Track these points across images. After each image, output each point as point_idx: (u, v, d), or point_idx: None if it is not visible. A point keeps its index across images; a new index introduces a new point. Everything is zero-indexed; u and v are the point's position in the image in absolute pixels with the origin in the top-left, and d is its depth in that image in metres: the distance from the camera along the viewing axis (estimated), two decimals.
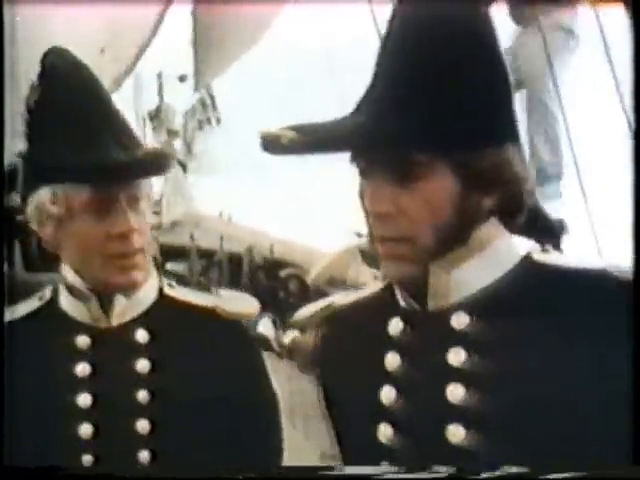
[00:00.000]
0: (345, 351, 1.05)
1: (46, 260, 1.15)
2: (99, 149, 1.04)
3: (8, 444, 0.94)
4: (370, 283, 5.36)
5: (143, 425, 1.04)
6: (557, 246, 1.01)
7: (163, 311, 1.14)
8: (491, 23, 0.92)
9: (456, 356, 0.93)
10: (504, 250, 0.95)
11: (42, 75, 1.09)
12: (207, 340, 1.15)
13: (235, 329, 1.24)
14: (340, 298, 1.06)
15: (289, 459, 3.75)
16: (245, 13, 6.51)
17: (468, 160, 0.90)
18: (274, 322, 6.49)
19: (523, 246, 0.97)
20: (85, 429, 1.03)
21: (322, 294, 6.51)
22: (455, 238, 0.94)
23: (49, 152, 1.05)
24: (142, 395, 1.06)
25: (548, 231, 1.00)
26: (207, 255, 7.08)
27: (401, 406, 0.96)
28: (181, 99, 7.83)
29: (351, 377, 1.06)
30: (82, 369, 1.05)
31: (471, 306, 0.93)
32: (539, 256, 0.95)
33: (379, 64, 0.97)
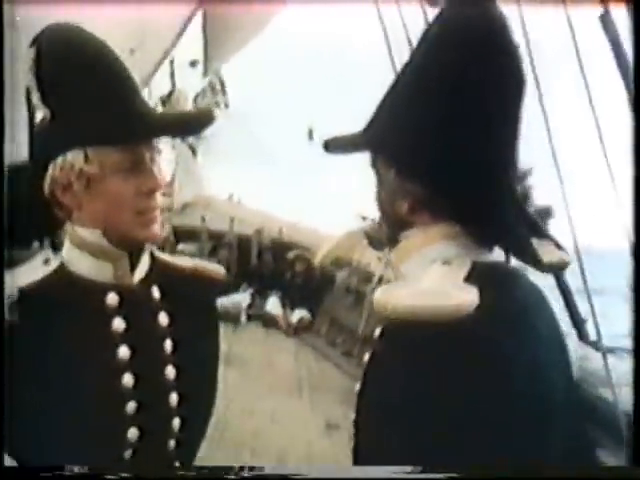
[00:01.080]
0: None
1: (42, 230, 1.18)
2: (133, 111, 1.10)
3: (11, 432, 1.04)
4: (374, 264, 5.40)
5: (170, 371, 1.16)
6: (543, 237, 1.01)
7: (159, 270, 1.23)
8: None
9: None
10: (422, 258, 1.00)
11: (53, 50, 1.10)
12: (195, 299, 1.26)
13: (211, 294, 1.34)
14: None
15: (296, 430, 3.92)
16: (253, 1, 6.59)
17: (382, 164, 1.03)
18: (282, 301, 6.67)
19: (433, 258, 1.00)
20: (127, 379, 1.12)
21: (327, 275, 6.62)
22: (392, 235, 1.04)
23: (78, 117, 1.09)
24: (168, 345, 1.18)
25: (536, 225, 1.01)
26: (217, 237, 7.21)
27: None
28: (192, 84, 7.92)
29: None
30: (118, 324, 1.13)
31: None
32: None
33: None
